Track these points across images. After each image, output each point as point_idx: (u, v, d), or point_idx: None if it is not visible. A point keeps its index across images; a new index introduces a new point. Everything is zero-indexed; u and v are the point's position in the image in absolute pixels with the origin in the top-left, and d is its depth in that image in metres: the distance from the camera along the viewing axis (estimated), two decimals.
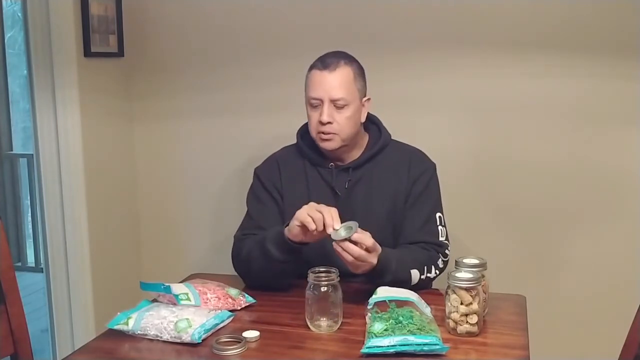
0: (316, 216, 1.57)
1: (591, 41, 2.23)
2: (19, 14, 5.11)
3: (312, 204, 1.63)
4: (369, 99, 1.87)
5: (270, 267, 1.71)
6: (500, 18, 2.28)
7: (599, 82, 2.25)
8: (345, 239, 1.55)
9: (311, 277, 1.51)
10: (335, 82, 1.78)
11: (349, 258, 1.57)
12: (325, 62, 1.80)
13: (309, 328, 1.52)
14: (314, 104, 1.81)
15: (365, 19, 2.38)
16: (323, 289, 1.50)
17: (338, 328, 1.52)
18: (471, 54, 2.32)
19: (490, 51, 2.31)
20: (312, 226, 1.57)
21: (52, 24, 2.32)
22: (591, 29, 2.22)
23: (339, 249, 1.57)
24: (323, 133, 1.80)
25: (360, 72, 1.85)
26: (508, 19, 2.28)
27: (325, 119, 1.77)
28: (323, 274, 1.52)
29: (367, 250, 1.58)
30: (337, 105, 1.78)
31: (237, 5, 2.50)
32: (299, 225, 1.60)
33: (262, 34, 2.50)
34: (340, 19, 2.40)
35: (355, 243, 1.56)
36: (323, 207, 1.60)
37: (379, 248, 1.62)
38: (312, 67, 1.84)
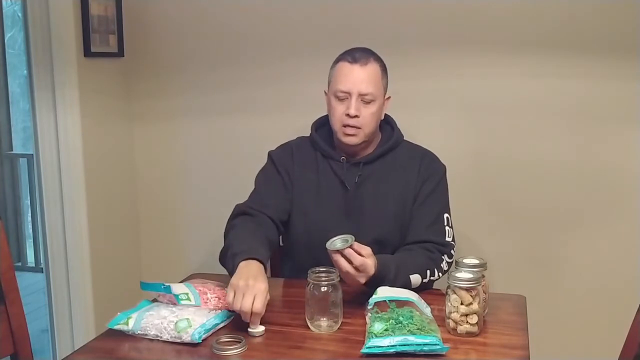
0: (240, 307, 1.48)
1: (591, 41, 2.23)
2: (19, 14, 5.11)
3: (246, 286, 1.49)
4: (389, 98, 1.90)
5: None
6: (501, 18, 2.28)
7: (598, 82, 2.25)
8: (338, 251, 1.55)
9: (311, 277, 1.51)
10: (365, 77, 1.79)
11: (340, 271, 1.57)
12: (355, 56, 1.81)
13: (309, 328, 1.52)
14: (341, 96, 1.81)
15: (365, 19, 2.38)
16: (323, 289, 1.49)
17: (338, 328, 1.52)
18: (471, 54, 2.32)
19: (490, 51, 2.31)
20: (232, 307, 1.50)
21: (52, 24, 2.32)
22: (591, 29, 2.22)
23: (332, 259, 1.57)
24: (348, 126, 1.80)
25: (385, 70, 1.87)
26: (508, 19, 2.28)
27: (353, 111, 1.78)
28: (323, 274, 1.52)
29: (357, 269, 1.57)
30: (364, 99, 1.79)
31: (237, 5, 2.50)
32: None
33: (262, 34, 2.50)
34: (341, 19, 2.40)
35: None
36: (247, 304, 1.46)
37: (370, 270, 1.58)
38: (339, 60, 1.84)
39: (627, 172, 2.26)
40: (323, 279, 1.50)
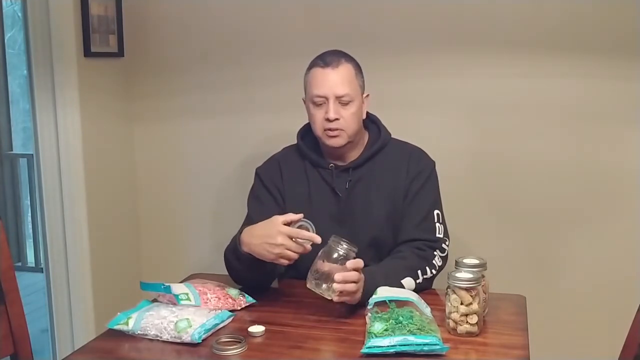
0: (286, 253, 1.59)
1: (591, 41, 2.23)
2: (19, 14, 5.11)
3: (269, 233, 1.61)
4: (367, 96, 1.88)
5: (239, 274, 1.75)
6: (500, 18, 2.28)
7: (598, 82, 2.25)
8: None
9: (332, 239, 1.55)
10: (339, 79, 1.79)
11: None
12: (326, 60, 1.81)
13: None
14: (318, 102, 1.80)
15: (364, 19, 2.38)
16: (335, 255, 1.53)
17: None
18: (471, 54, 2.32)
19: (489, 51, 2.31)
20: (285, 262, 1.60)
21: (52, 24, 2.32)
22: (591, 29, 2.22)
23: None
24: (330, 130, 1.80)
25: (359, 69, 1.86)
26: (508, 19, 2.28)
27: (332, 115, 1.77)
28: (345, 243, 1.55)
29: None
30: (342, 101, 1.79)
31: (237, 5, 2.50)
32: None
33: (262, 34, 2.50)
34: (340, 19, 2.40)
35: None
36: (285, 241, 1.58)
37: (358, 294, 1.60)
38: (312, 66, 1.83)
39: (627, 172, 2.26)
40: (343, 246, 1.54)
